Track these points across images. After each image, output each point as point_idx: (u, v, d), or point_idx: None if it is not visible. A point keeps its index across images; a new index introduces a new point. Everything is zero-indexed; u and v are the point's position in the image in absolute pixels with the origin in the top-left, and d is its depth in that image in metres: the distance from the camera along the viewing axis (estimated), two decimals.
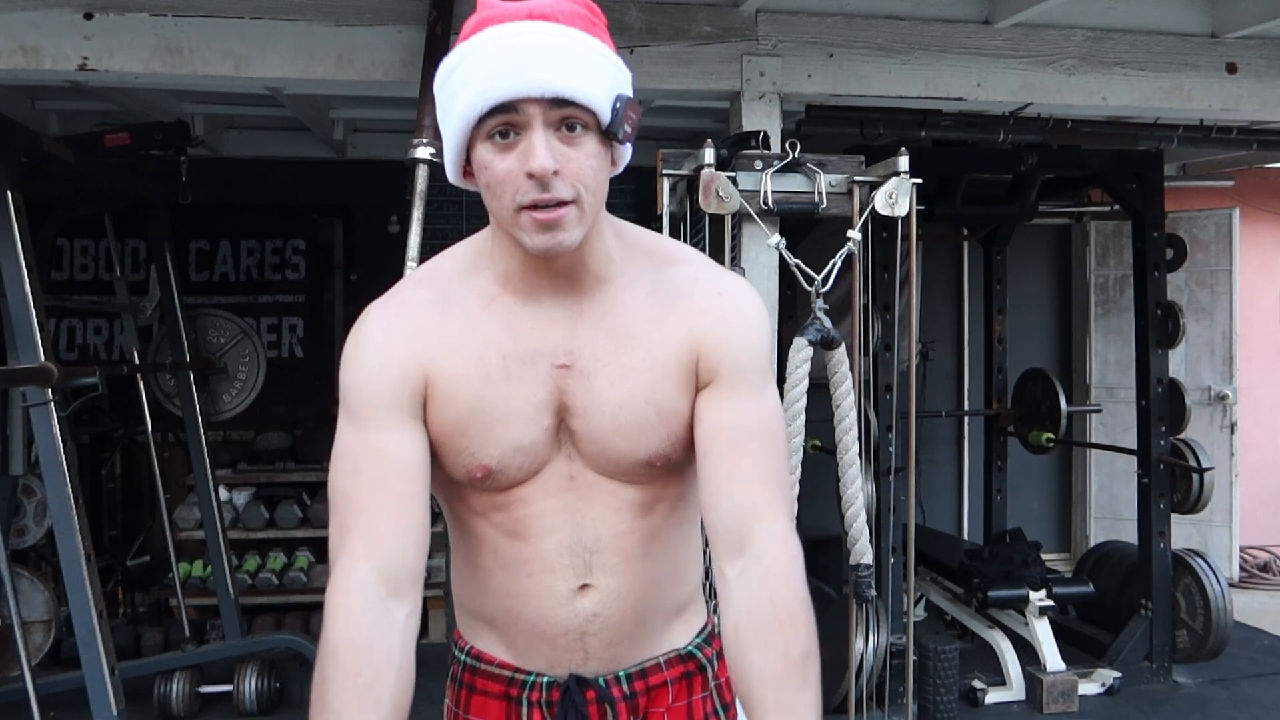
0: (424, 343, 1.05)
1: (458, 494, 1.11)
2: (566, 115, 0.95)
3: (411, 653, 1.01)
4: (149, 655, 3.83)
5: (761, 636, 0.99)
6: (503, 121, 0.95)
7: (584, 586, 1.08)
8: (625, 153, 1.05)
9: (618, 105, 0.98)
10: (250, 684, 3.55)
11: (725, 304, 1.09)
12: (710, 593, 1.30)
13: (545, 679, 1.11)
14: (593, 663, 1.11)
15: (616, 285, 1.08)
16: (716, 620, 1.16)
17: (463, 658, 1.17)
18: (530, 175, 0.95)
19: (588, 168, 0.98)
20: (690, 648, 1.18)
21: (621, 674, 1.12)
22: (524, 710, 1.12)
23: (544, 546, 1.08)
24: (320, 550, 4.58)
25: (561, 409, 1.06)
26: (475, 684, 1.15)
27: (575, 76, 0.95)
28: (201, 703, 3.59)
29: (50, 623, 3.82)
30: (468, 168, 1.03)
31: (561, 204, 0.96)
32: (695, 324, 1.07)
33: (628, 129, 1.00)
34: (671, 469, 1.09)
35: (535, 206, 0.96)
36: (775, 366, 1.17)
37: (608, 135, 0.99)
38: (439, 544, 5.05)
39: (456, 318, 1.06)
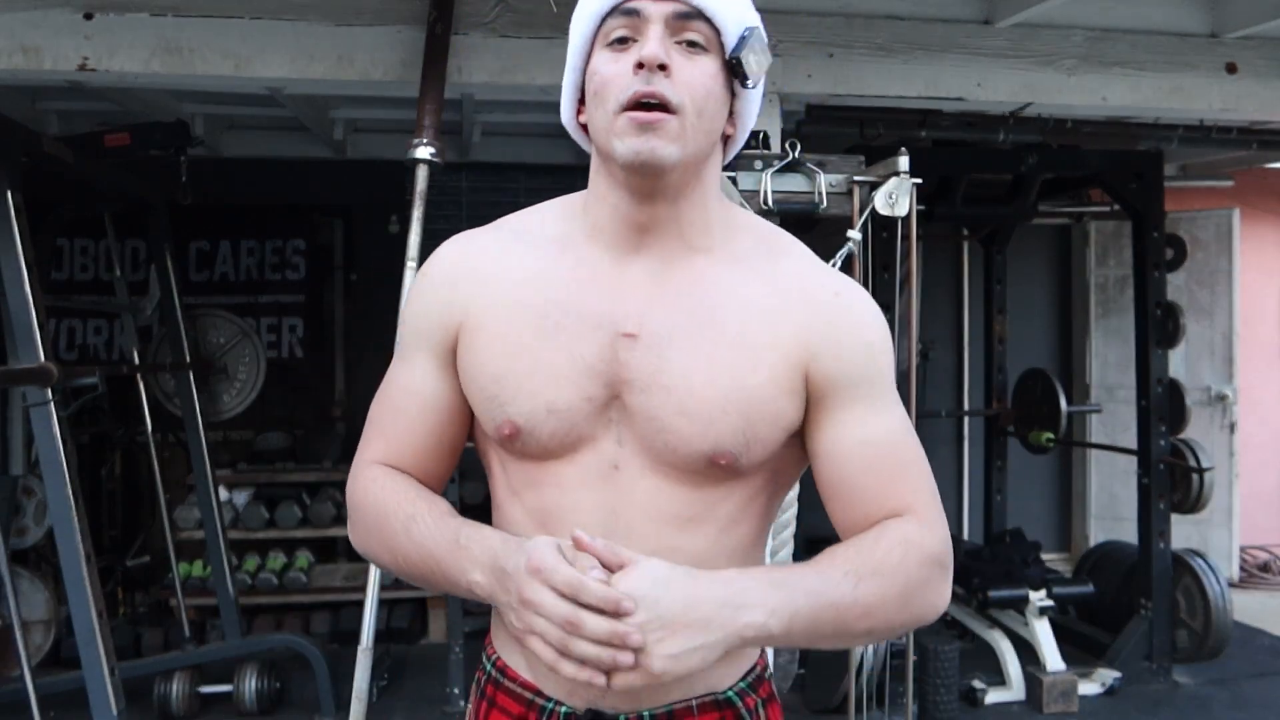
0: (473, 290, 1.02)
1: (503, 468, 1.04)
2: (688, 27, 0.94)
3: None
4: (149, 655, 3.84)
5: (861, 535, 0.97)
6: (622, 24, 0.94)
7: None
8: (748, 109, 1.01)
9: (745, 34, 0.95)
10: (250, 684, 3.55)
11: (842, 307, 1.00)
12: None
13: (563, 709, 1.00)
14: (611, 696, 0.96)
15: (713, 259, 1.00)
16: (769, 662, 1.11)
17: (489, 668, 1.09)
18: (639, 66, 0.92)
19: (700, 81, 0.94)
20: (730, 693, 1.03)
21: (646, 714, 0.99)
22: None
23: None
24: (320, 550, 4.59)
25: (617, 383, 0.97)
26: (496, 699, 1.06)
27: None
28: (201, 703, 3.59)
29: (50, 623, 3.83)
30: (581, 107, 1.01)
31: (664, 108, 0.92)
32: (809, 327, 0.98)
33: (752, 62, 0.95)
34: (733, 476, 0.98)
35: (637, 106, 0.92)
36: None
37: (729, 66, 0.96)
38: None
39: (523, 264, 1.02)
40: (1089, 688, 3.72)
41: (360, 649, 2.40)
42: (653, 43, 0.92)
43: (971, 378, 5.29)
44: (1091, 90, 3.13)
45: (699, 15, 0.94)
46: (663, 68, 0.92)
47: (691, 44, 0.94)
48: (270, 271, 5.01)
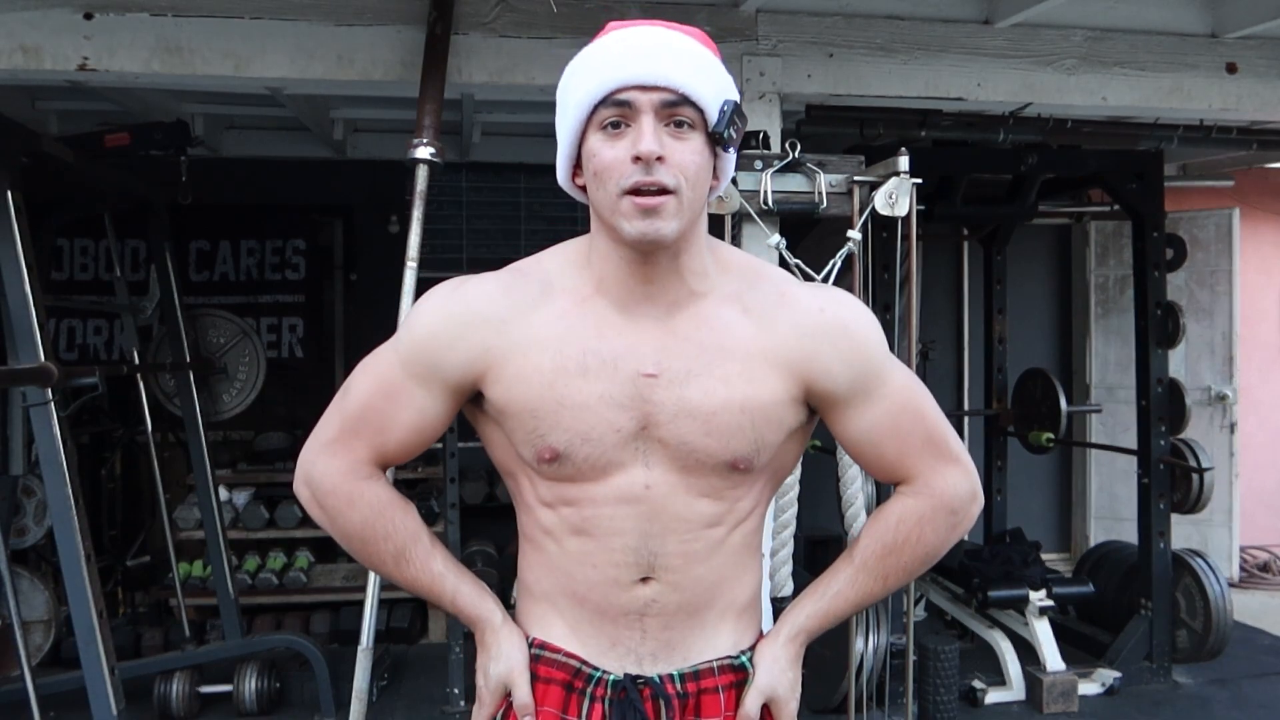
0: (501, 328, 1.12)
1: (531, 482, 1.16)
2: (675, 112, 1.04)
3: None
4: (149, 655, 3.84)
5: (873, 521, 1.22)
6: (615, 113, 1.04)
7: (645, 579, 1.14)
8: (728, 166, 1.13)
9: (725, 108, 1.06)
10: (250, 684, 3.55)
11: (828, 320, 1.14)
12: None
13: (611, 678, 1.16)
14: (649, 643, 1.16)
15: (710, 301, 1.13)
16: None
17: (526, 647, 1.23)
18: (636, 159, 1.02)
19: (691, 161, 1.05)
20: (743, 659, 1.20)
21: (676, 674, 1.16)
22: (586, 703, 1.16)
23: (610, 545, 1.13)
24: (320, 550, 4.58)
25: (644, 417, 1.10)
26: (538, 671, 1.18)
27: (687, 74, 1.04)
28: (201, 703, 3.59)
29: (50, 623, 3.82)
30: (577, 170, 1.11)
31: (663, 191, 1.03)
32: (802, 347, 1.13)
33: (732, 134, 1.07)
34: (749, 475, 1.15)
35: (638, 191, 1.03)
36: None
37: (713, 139, 1.07)
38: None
39: (546, 308, 1.12)
40: (1089, 688, 3.72)
41: (360, 649, 2.40)
42: (648, 137, 1.02)
43: (971, 378, 5.29)
44: (1091, 90, 3.14)
45: (685, 100, 1.04)
46: (659, 159, 1.02)
47: (679, 123, 1.04)
48: (270, 271, 5.00)
